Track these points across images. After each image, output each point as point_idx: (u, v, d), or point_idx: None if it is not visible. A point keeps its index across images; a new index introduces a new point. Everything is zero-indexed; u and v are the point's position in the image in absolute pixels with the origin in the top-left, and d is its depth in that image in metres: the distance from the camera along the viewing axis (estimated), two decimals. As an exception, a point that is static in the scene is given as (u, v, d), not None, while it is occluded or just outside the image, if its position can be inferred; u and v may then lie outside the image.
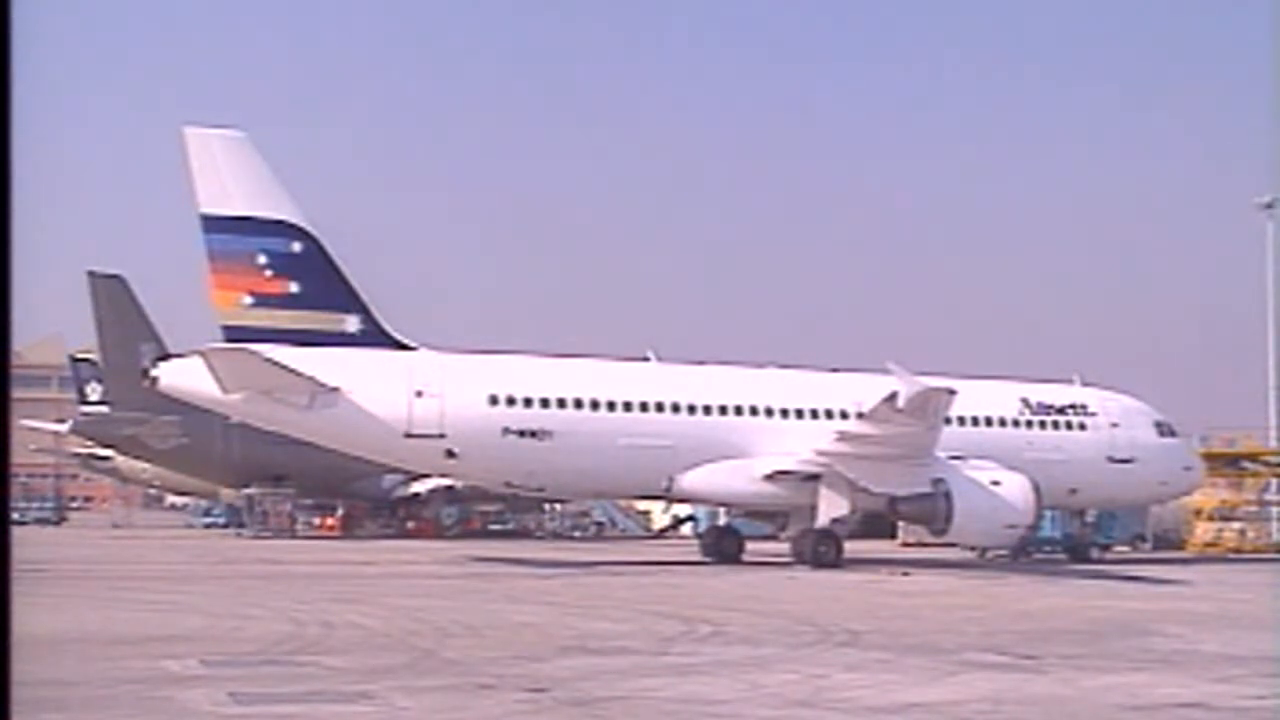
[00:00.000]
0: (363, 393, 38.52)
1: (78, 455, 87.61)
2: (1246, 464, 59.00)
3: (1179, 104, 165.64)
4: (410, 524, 69.20)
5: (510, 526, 72.61)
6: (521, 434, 39.67)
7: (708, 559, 44.56)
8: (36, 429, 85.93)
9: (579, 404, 40.62)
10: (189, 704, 12.61)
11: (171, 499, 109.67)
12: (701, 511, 60.02)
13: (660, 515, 74.78)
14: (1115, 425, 46.45)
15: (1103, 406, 46.88)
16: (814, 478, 40.61)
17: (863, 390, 41.12)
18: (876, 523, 49.05)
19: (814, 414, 42.55)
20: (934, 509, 39.97)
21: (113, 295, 66.80)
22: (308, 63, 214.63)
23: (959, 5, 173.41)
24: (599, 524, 75.18)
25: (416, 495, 66.81)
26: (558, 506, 72.97)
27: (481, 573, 37.26)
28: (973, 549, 48.04)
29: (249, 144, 38.84)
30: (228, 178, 38.02)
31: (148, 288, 68.21)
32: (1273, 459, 58.59)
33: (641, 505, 74.12)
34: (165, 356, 42.06)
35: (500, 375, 40.67)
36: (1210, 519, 57.83)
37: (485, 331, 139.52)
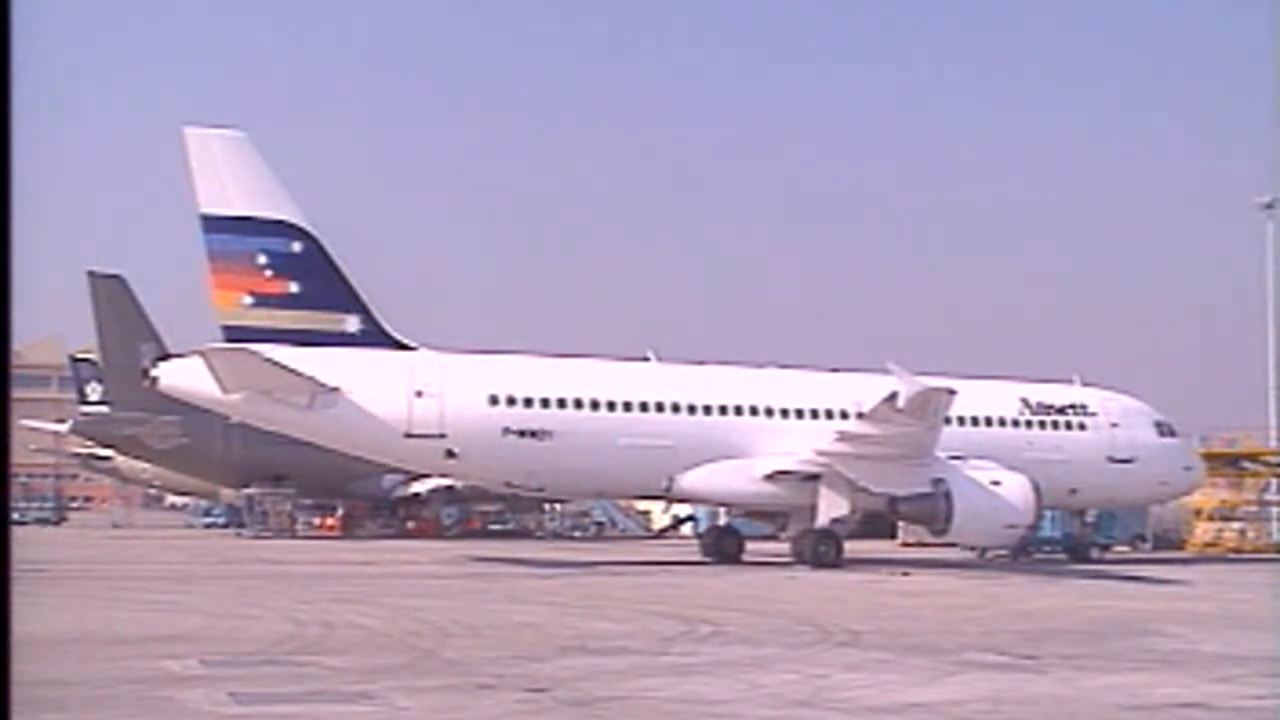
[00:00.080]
0: (363, 393, 38.52)
1: (78, 455, 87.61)
2: (1246, 464, 58.97)
3: (1179, 104, 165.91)
4: (410, 524, 69.22)
5: (510, 526, 72.65)
6: (521, 434, 39.67)
7: (708, 559, 44.56)
8: (36, 429, 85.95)
9: (579, 404, 40.62)
10: (189, 704, 12.61)
11: (171, 499, 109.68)
12: (701, 511, 60.01)
13: (660, 515, 74.78)
14: (1115, 425, 46.45)
15: (1103, 406, 46.88)
16: (814, 478, 40.60)
17: (863, 390, 41.12)
18: (876, 523, 49.02)
19: (814, 414, 42.55)
20: (934, 509, 39.97)
21: (113, 295, 66.82)
22: (308, 63, 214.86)
23: (959, 5, 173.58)
24: (599, 524, 75.19)
25: (416, 495, 66.83)
26: (558, 506, 73.00)
27: (481, 573, 37.26)
28: (973, 549, 48.05)
29: (249, 144, 38.84)
30: (228, 178, 38.02)
31: (148, 288, 68.37)
32: (1273, 459, 58.57)
33: (641, 505, 74.11)
34: (165, 356, 42.06)
35: (500, 375, 40.67)
36: (1210, 519, 57.83)
37: (485, 331, 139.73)
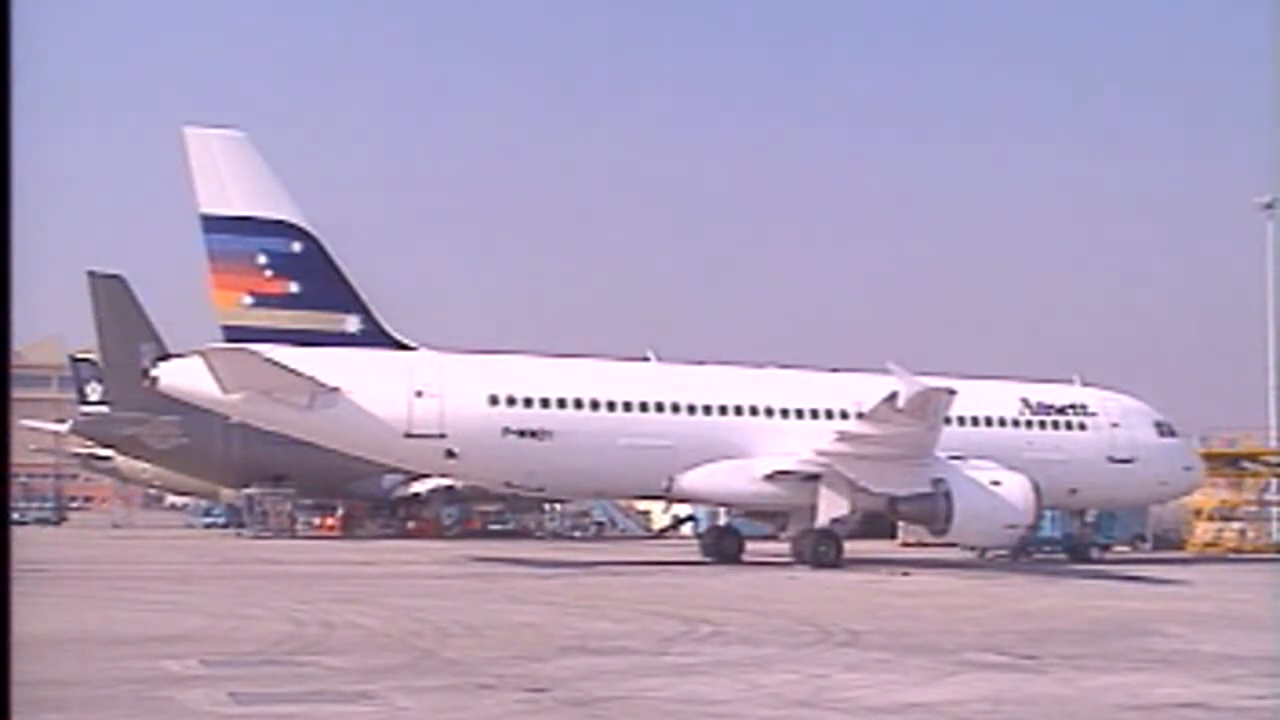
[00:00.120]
0: (363, 393, 38.53)
1: (78, 455, 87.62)
2: (1246, 464, 58.98)
3: (1179, 104, 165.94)
4: (410, 524, 69.23)
5: (510, 526, 72.65)
6: (521, 434, 39.67)
7: (708, 559, 44.56)
8: (36, 429, 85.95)
9: (579, 404, 40.62)
10: (189, 704, 12.61)
11: (171, 499, 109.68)
12: (701, 511, 60.01)
13: (660, 515, 74.78)
14: (1115, 425, 46.45)
15: (1103, 406, 46.88)
16: (814, 478, 40.60)
17: (863, 390, 41.12)
18: (876, 523, 49.02)
19: (814, 414, 42.55)
20: (934, 509, 39.97)
21: (113, 295, 66.83)
22: (308, 63, 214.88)
23: (960, 5, 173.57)
24: (599, 524, 75.18)
25: (416, 495, 66.83)
26: (558, 506, 72.99)
27: (481, 573, 37.26)
28: (973, 549, 48.05)
29: (249, 144, 38.85)
30: (228, 178, 38.02)
31: (148, 288, 68.37)
32: (1273, 459, 58.57)
33: (641, 505, 74.10)
34: (165, 356, 42.06)
35: (500, 375, 40.67)
36: (1210, 519, 57.83)
37: (485, 331, 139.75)
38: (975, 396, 43.32)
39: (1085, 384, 47.93)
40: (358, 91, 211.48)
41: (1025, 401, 45.86)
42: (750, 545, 46.13)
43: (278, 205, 38.63)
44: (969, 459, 40.84)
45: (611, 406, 40.98)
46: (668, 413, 41.49)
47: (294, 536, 66.08)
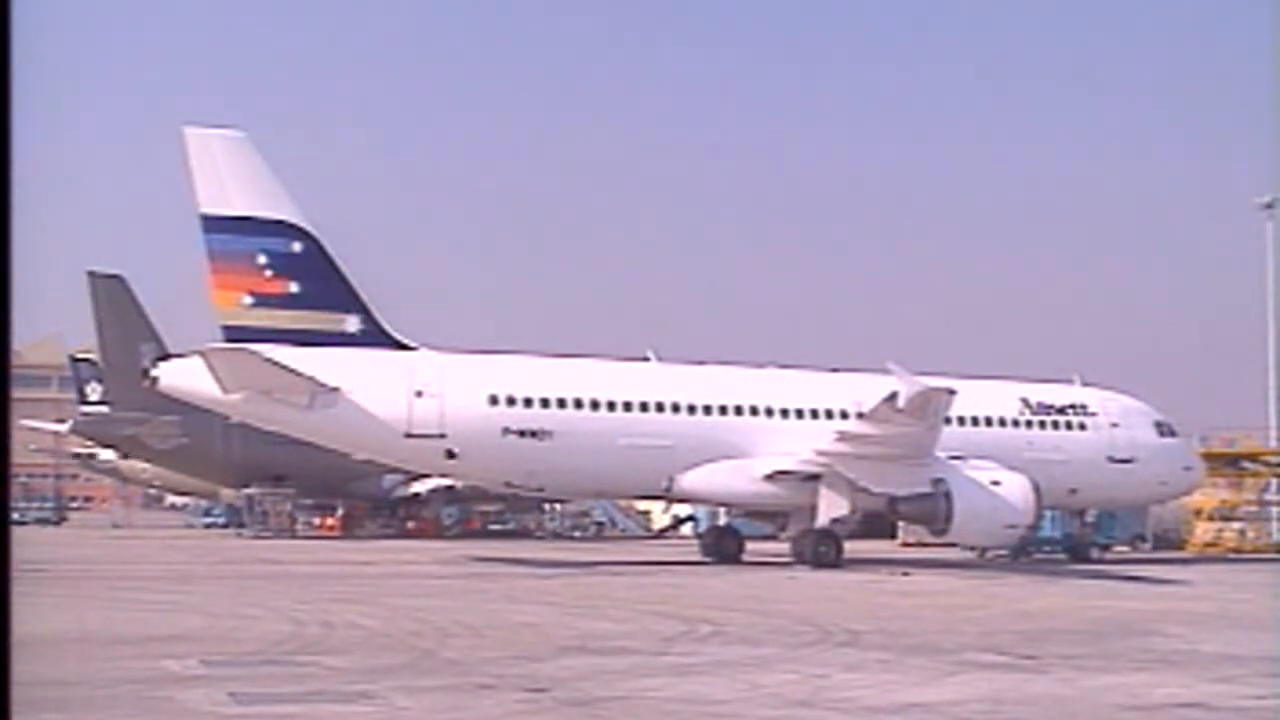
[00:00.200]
0: (363, 393, 38.52)
1: (78, 455, 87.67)
2: (1246, 464, 58.98)
3: (1179, 104, 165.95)
4: (410, 524, 69.24)
5: (510, 526, 72.64)
6: (521, 434, 39.67)
7: (708, 559, 44.56)
8: (36, 429, 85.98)
9: (579, 404, 40.62)
10: (189, 704, 12.61)
11: (171, 499, 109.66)
12: (701, 511, 60.01)
13: (660, 515, 74.78)
14: (1115, 425, 46.45)
15: (1103, 406, 46.88)
16: (814, 478, 40.60)
17: (863, 390, 41.12)
18: (876, 523, 49.01)
19: (814, 414, 42.54)
20: (934, 509, 39.96)
21: (113, 295, 66.82)
22: (308, 63, 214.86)
23: (960, 5, 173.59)
24: (599, 524, 75.17)
25: (416, 495, 66.84)
26: (558, 506, 72.97)
27: (481, 573, 37.26)
28: (973, 549, 48.05)
29: (249, 144, 38.84)
30: (228, 178, 38.01)
31: (148, 288, 68.36)
32: (1273, 459, 58.57)
33: (641, 505, 74.10)
34: (165, 356, 42.06)
35: (500, 375, 40.67)
36: (1210, 519, 57.82)
37: (485, 331, 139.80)
38: (975, 396, 43.32)
39: (1085, 384, 47.92)
40: (358, 91, 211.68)
41: (1025, 401, 45.86)
42: (750, 545, 46.13)
43: (278, 205, 38.63)
44: (969, 459, 40.84)
45: (611, 406, 40.98)
46: (668, 413, 41.49)
47: (294, 536, 66.07)
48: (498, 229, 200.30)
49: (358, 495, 68.62)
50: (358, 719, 12.19)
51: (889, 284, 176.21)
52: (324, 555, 46.41)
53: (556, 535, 71.54)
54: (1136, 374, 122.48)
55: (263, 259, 38.29)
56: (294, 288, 38.63)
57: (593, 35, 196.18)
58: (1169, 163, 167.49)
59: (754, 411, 42.33)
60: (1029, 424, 45.43)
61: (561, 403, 40.41)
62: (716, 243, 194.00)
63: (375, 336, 39.55)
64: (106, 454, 77.35)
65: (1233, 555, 53.98)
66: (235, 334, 37.73)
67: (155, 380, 39.24)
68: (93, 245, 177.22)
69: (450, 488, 62.77)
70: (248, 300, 38.16)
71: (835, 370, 45.78)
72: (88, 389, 78.65)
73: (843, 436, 40.41)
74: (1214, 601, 29.14)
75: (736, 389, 43.05)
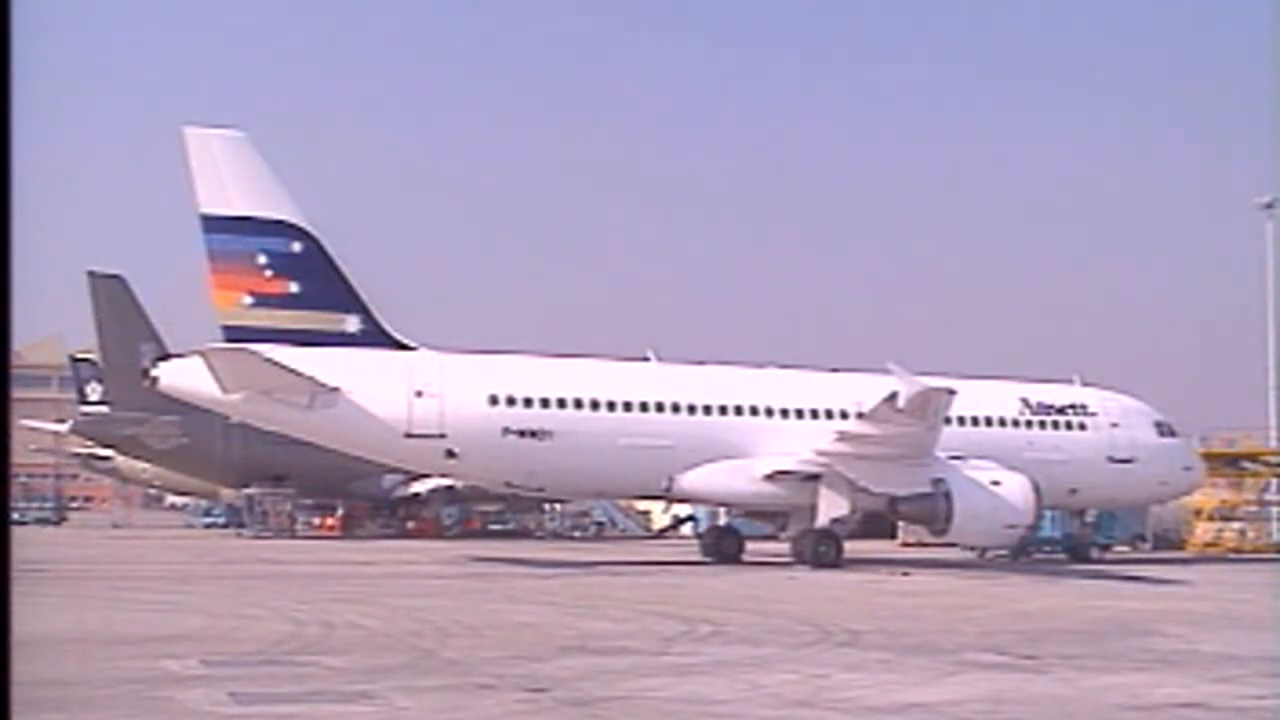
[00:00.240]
0: (363, 393, 38.52)
1: (78, 455, 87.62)
2: (1246, 464, 58.97)
3: (1179, 104, 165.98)
4: (410, 524, 69.22)
5: (510, 526, 72.64)
6: (521, 434, 39.66)
7: (708, 559, 44.56)
8: (36, 429, 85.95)
9: (579, 404, 40.62)
10: (189, 704, 12.61)
11: (171, 499, 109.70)
12: (701, 511, 60.01)
13: (660, 515, 74.78)
14: (1115, 425, 46.44)
15: (1103, 406, 46.87)
16: (814, 478, 40.59)
17: (863, 390, 41.12)
18: (876, 523, 49.01)
19: (814, 414, 42.54)
20: (934, 509, 39.96)
21: (113, 295, 66.82)
22: (308, 63, 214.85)
23: (959, 5, 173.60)
24: (599, 524, 75.18)
25: (416, 495, 66.82)
26: (558, 506, 72.98)
27: (481, 573, 37.26)
28: (973, 549, 48.04)
29: (249, 144, 38.84)
30: (228, 178, 38.01)
31: (148, 288, 68.37)
32: (1273, 459, 58.56)
33: (641, 505, 74.11)
34: (165, 356, 42.05)
35: (500, 375, 40.66)
36: (1210, 519, 57.81)
37: (485, 331, 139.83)
38: (975, 396, 43.32)
39: (1085, 384, 47.92)
40: (358, 91, 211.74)
41: (1025, 401, 45.85)
42: (750, 545, 46.13)
43: (278, 205, 38.62)
44: (969, 459, 40.84)
45: (611, 406, 40.97)
46: (668, 413, 41.48)
47: (294, 536, 66.06)
48: (498, 229, 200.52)
49: (358, 495, 68.61)
50: (358, 719, 12.19)
51: (889, 284, 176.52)
52: (324, 555, 46.41)
53: (556, 535, 71.54)
54: (1136, 374, 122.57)
55: (263, 259, 38.28)
56: (294, 288, 38.62)
57: (593, 35, 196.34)
58: (1169, 163, 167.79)
59: (754, 411, 42.32)
60: (1029, 424, 45.42)
61: (561, 403, 40.40)
62: (716, 243, 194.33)
63: (375, 336, 39.55)
64: (106, 454, 77.31)
65: (1233, 555, 53.97)
66: (235, 334, 37.72)
67: (155, 380, 39.24)
68: (93, 245, 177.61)
69: (450, 488, 62.76)
70: (248, 300, 38.16)
71: (835, 370, 45.77)
72: (88, 389, 78.66)
73: (843, 436, 40.40)
74: (1214, 601, 29.14)
75: (736, 389, 43.04)
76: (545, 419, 39.97)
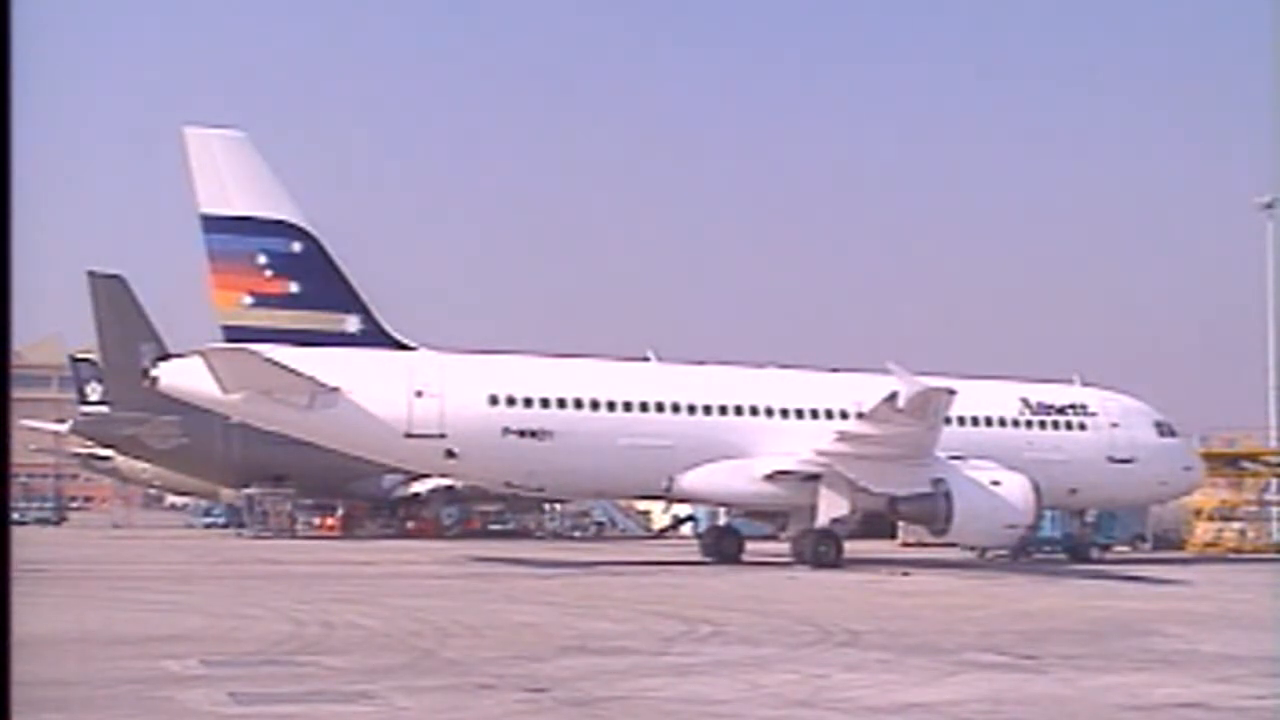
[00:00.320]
0: (363, 393, 38.52)
1: (78, 455, 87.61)
2: (1246, 464, 58.97)
3: (1179, 104, 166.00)
4: (410, 524, 69.21)
5: (510, 526, 72.64)
6: (521, 434, 39.66)
7: (708, 559, 44.56)
8: (36, 429, 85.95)
9: (579, 404, 40.61)
10: (189, 704, 12.61)
11: (171, 499, 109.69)
12: (701, 511, 60.01)
13: (660, 515, 74.77)
14: (1115, 425, 46.44)
15: (1103, 406, 46.87)
16: (814, 478, 40.59)
17: (863, 390, 41.11)
18: (876, 523, 49.01)
19: (814, 414, 42.54)
20: (934, 509, 39.96)
21: (113, 295, 66.82)
22: (308, 63, 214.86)
23: (959, 5, 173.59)
24: (599, 524, 75.17)
25: (416, 495, 66.81)
26: (558, 506, 72.98)
27: (481, 573, 37.26)
28: (973, 549, 48.04)
29: (249, 144, 38.84)
30: (228, 178, 38.01)
31: (148, 288, 68.37)
32: (1273, 459, 58.56)
33: (641, 505, 74.09)
34: (165, 356, 42.05)
35: (500, 375, 40.66)
36: (1210, 519, 57.81)
37: (485, 331, 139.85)
38: (975, 396, 43.32)
39: (1085, 384, 47.91)
40: (358, 91, 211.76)
41: (1025, 401, 45.85)
42: (750, 545, 46.12)
43: (278, 205, 38.62)
44: (969, 459, 40.84)
45: (611, 406, 40.97)
46: (668, 413, 41.48)
47: (294, 536, 66.06)
48: (498, 229, 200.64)
49: (358, 495, 68.61)
50: (358, 719, 12.19)
51: (889, 284, 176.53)
52: (324, 555, 46.41)
53: (556, 535, 71.54)
54: (1136, 374, 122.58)
55: (263, 259, 38.28)
56: (294, 288, 38.62)
57: (593, 35, 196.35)
58: (1169, 163, 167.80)
59: (754, 411, 42.32)
60: (1029, 424, 45.42)
61: (561, 403, 40.40)
62: (716, 243, 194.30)
63: (375, 336, 39.55)
64: (106, 454, 77.31)
65: (1233, 555, 53.98)
66: (235, 334, 37.72)
67: (155, 380, 39.24)
68: (93, 245, 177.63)
69: (450, 488, 62.75)
70: (248, 300, 38.16)
71: (835, 370, 45.77)
72: (88, 389, 78.65)
73: (843, 436, 40.40)
74: (1214, 601, 29.14)
75: (736, 389, 43.04)
76: (545, 419, 39.97)
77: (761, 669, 15.80)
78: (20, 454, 68.21)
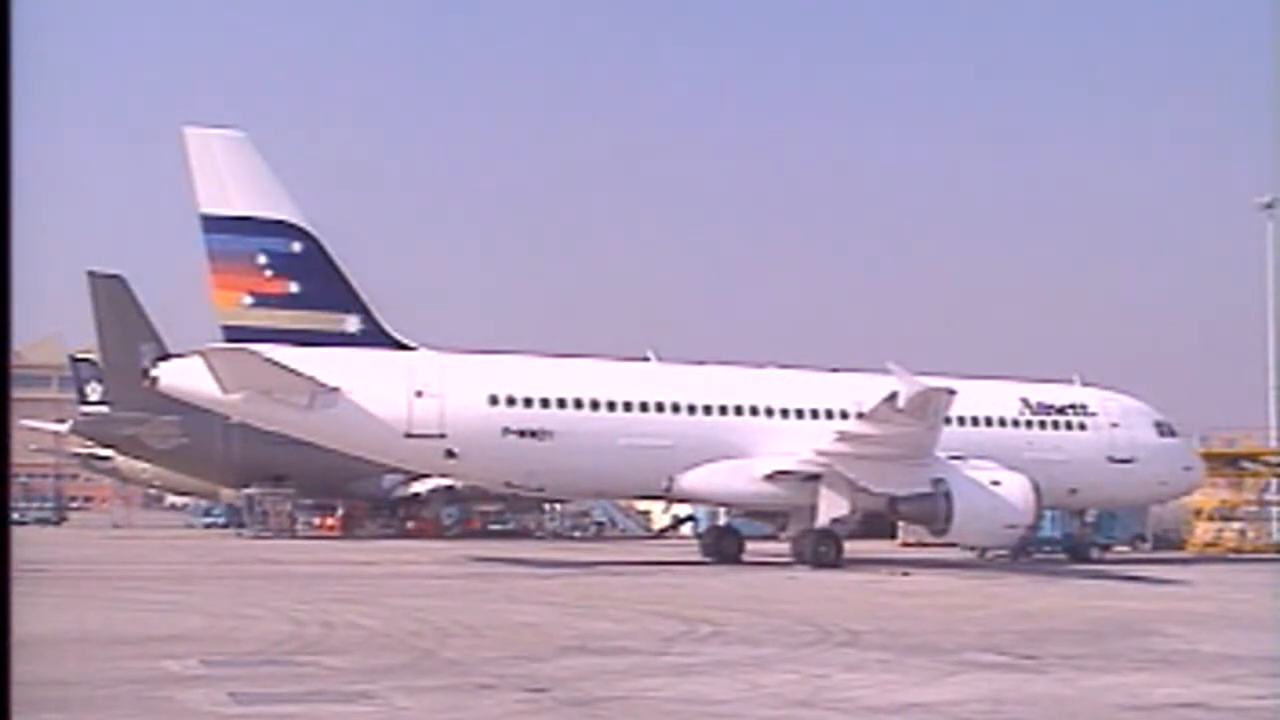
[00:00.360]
0: (363, 393, 38.52)
1: (78, 455, 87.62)
2: (1246, 464, 58.97)
3: (1179, 104, 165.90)
4: (410, 524, 69.22)
5: (510, 526, 72.64)
6: (521, 434, 39.66)
7: (708, 559, 44.55)
8: (36, 429, 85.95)
9: (579, 404, 40.61)
10: (189, 704, 12.61)
11: (171, 499, 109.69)
12: (701, 511, 60.01)
13: (660, 515, 74.77)
14: (1115, 425, 46.44)
15: (1103, 406, 46.87)
16: (814, 478, 40.59)
17: (863, 390, 41.11)
18: (876, 523, 49.01)
19: (814, 414, 42.53)
20: (934, 509, 39.96)
21: (113, 295, 66.82)
22: (308, 63, 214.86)
23: (959, 5, 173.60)
24: (599, 524, 75.17)
25: (416, 495, 66.81)
26: (558, 506, 72.98)
27: (481, 573, 37.26)
28: (973, 549, 48.03)
29: (249, 144, 38.84)
30: (228, 178, 38.01)
31: (148, 288, 68.36)
32: (1273, 459, 58.56)
33: (641, 505, 74.09)
34: (165, 356, 42.05)
35: (500, 375, 40.67)
36: (1210, 519, 57.82)
37: (485, 331, 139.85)
38: (975, 396, 43.31)
39: (1085, 384, 47.91)
40: (358, 91, 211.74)
41: (1025, 401, 45.85)
42: (750, 545, 46.12)
43: (278, 205, 38.63)
44: (969, 459, 40.84)
45: (611, 406, 40.97)
46: (668, 413, 41.48)
47: (294, 536, 66.06)
48: (498, 229, 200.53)
49: (358, 495, 68.61)
50: (358, 719, 12.20)
51: (889, 284, 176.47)
52: (324, 555, 46.41)
53: (556, 535, 71.54)
54: (1136, 374, 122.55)
55: (263, 259, 38.29)
56: (294, 288, 38.62)
57: (593, 35, 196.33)
58: (1169, 163, 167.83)
59: (754, 411, 42.32)
60: (1029, 424, 45.42)
61: (561, 403, 40.41)
62: (716, 243, 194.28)
63: (375, 336, 39.55)
64: (106, 454, 77.32)
65: (1233, 555, 53.98)
66: (235, 334, 37.72)
67: (155, 380, 39.24)
68: (93, 245, 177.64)
69: (450, 488, 62.76)
70: (248, 300, 38.16)
71: (835, 370, 45.77)
72: (88, 389, 78.65)
73: (843, 436, 40.40)
74: (1214, 601, 29.15)
75: (736, 389, 43.04)
76: (545, 419, 39.97)
77: (761, 669, 15.80)
78: (20, 454, 68.20)
